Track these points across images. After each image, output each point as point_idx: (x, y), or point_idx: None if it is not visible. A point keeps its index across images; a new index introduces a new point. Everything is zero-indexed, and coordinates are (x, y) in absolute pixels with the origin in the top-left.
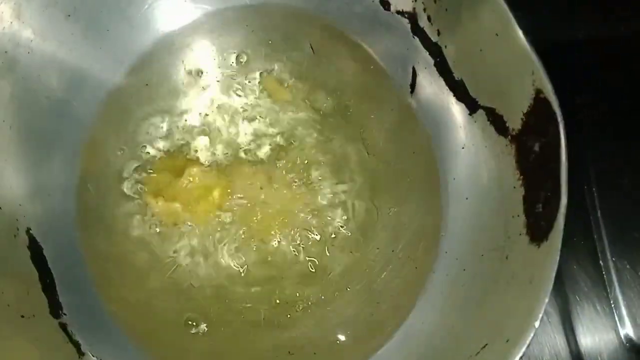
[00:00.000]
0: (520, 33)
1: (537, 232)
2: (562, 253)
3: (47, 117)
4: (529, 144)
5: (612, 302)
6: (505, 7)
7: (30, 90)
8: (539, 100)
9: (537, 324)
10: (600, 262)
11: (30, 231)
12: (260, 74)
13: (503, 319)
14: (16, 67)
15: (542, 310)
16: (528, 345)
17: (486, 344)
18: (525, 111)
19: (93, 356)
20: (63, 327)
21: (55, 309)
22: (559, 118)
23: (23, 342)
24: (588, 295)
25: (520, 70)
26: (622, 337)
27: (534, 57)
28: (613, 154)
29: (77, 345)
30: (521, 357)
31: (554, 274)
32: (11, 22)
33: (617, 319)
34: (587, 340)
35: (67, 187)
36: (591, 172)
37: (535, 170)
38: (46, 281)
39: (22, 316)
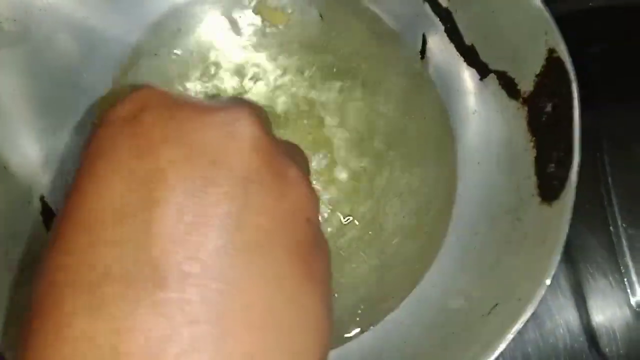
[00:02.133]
0: None
1: (549, 191)
2: (572, 222)
3: (62, 86)
4: (541, 105)
5: (622, 270)
6: None
7: (43, 59)
8: (552, 60)
9: (548, 281)
10: (611, 229)
11: (44, 198)
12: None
13: (516, 279)
14: (29, 35)
15: (554, 268)
16: (541, 320)
17: (497, 303)
18: (537, 72)
19: None
20: None
21: None
22: (572, 76)
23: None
24: (599, 265)
25: (533, 31)
26: (634, 305)
27: (547, 16)
28: (625, 122)
29: None
30: (536, 333)
31: (566, 231)
32: None
33: (628, 287)
34: (598, 309)
35: (79, 155)
36: (602, 140)
37: (547, 130)
38: None
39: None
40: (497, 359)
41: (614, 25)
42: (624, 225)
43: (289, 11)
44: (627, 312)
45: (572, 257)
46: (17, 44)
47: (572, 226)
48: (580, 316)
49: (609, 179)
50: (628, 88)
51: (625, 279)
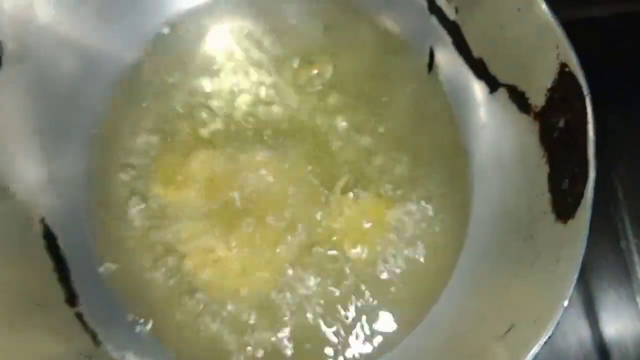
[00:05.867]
0: (543, 6)
1: (563, 209)
2: None
3: (62, 106)
4: (554, 120)
5: (634, 285)
6: None
7: (44, 78)
8: (564, 74)
9: (565, 302)
10: (622, 245)
11: (45, 221)
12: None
13: (530, 299)
14: (30, 53)
15: (571, 288)
16: (552, 335)
17: (513, 325)
18: (549, 87)
19: (109, 346)
20: (79, 316)
21: (70, 298)
22: (586, 91)
23: (39, 330)
24: (610, 281)
25: (543, 45)
26: None
27: (558, 30)
28: (634, 131)
29: (93, 334)
30: (547, 347)
31: (582, 251)
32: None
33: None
34: (610, 326)
35: (80, 177)
36: (610, 150)
37: (560, 146)
38: (61, 270)
39: (38, 304)
40: None
41: (618, 33)
42: (635, 239)
43: (293, 22)
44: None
45: (583, 273)
46: (18, 62)
47: None
48: (592, 333)
49: (619, 192)
50: (634, 96)
51: (637, 296)
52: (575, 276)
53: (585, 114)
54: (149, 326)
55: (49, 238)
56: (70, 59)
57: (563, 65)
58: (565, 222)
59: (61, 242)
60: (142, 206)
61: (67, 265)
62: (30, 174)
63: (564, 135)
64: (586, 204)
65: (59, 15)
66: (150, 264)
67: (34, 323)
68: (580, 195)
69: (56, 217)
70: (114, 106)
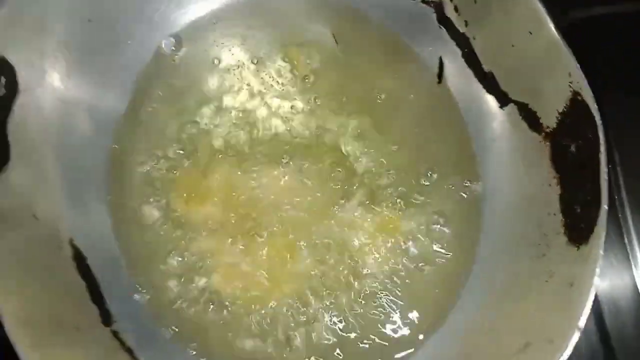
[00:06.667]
0: (556, 33)
1: (576, 233)
2: None
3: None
4: (565, 144)
5: (628, 246)
6: (540, 6)
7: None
8: (576, 102)
9: (581, 324)
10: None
11: (74, 242)
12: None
13: (545, 318)
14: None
15: (586, 315)
16: None
17: (528, 343)
18: (560, 110)
19: None
20: (115, 334)
21: (105, 317)
22: (598, 122)
23: (80, 352)
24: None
25: (554, 69)
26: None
27: (571, 59)
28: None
29: (130, 351)
30: None
31: (595, 279)
32: None
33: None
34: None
35: (102, 195)
36: (614, 151)
37: (572, 171)
38: (94, 291)
39: (77, 328)
40: None
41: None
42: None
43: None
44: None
45: None
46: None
47: None
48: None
49: (623, 192)
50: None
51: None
52: (590, 303)
53: (598, 144)
54: (183, 340)
55: (79, 259)
56: (82, 118)
57: (575, 94)
58: (578, 247)
59: (91, 262)
60: (167, 223)
61: (98, 285)
62: (55, 199)
63: (575, 160)
64: (599, 234)
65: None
66: (178, 280)
67: (74, 347)
68: (593, 222)
69: (84, 238)
70: (131, 127)
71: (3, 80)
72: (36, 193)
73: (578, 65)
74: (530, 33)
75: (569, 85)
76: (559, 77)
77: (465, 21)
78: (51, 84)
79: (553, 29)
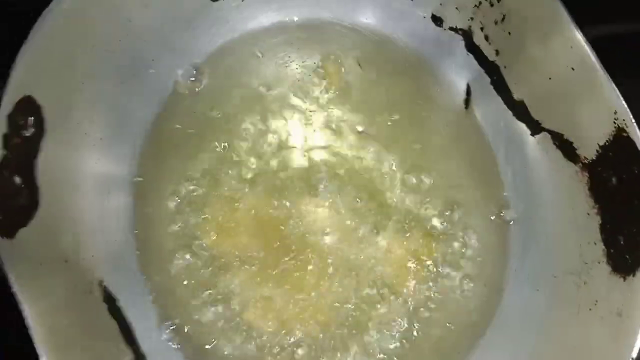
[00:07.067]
0: (603, 73)
1: (621, 264)
2: None
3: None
4: (605, 176)
5: None
6: (585, 43)
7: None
8: (621, 137)
9: (634, 354)
10: None
11: (104, 283)
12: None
13: (593, 347)
14: None
15: (638, 346)
16: None
17: None
18: (601, 144)
19: None
20: None
21: (139, 359)
22: None
23: None
24: None
25: (598, 107)
26: None
27: (618, 97)
28: None
29: None
30: None
31: None
32: None
33: None
34: None
35: (128, 230)
36: None
37: (614, 202)
38: (126, 332)
39: None
40: None
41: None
42: None
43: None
44: None
45: None
46: None
47: None
48: None
49: None
50: None
51: None
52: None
53: None
54: None
55: (110, 300)
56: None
57: (620, 130)
58: (624, 278)
59: (121, 304)
60: (194, 258)
61: (130, 326)
62: (84, 240)
63: (617, 192)
64: None
65: None
66: (210, 317)
67: None
68: (639, 256)
69: (113, 278)
70: (155, 159)
71: (31, 120)
72: (67, 237)
73: (624, 102)
74: (573, 69)
75: (614, 122)
76: (602, 112)
77: (496, 50)
78: (75, 119)
79: (599, 67)
